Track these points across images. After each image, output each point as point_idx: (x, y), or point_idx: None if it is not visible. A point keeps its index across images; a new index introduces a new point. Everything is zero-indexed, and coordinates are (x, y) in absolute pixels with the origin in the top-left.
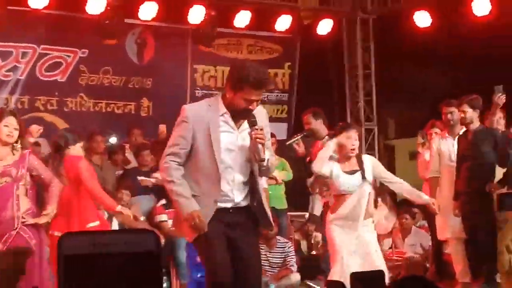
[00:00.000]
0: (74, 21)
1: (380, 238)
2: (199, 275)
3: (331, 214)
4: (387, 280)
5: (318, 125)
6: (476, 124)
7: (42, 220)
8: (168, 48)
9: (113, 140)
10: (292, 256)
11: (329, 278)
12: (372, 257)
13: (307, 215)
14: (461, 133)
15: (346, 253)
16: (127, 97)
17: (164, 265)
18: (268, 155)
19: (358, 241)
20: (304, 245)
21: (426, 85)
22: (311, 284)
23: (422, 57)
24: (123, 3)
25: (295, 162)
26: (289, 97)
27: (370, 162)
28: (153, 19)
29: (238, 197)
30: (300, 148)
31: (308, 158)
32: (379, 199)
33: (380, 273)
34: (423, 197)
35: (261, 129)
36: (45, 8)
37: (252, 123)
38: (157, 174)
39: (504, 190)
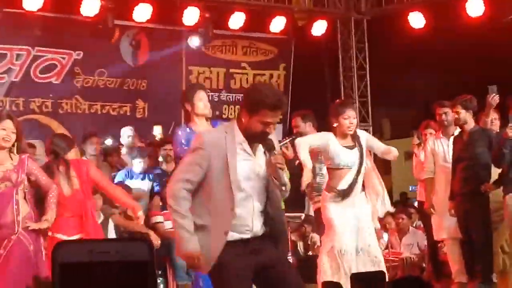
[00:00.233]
0: (69, 23)
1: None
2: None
3: (328, 193)
4: None
5: (307, 127)
6: (471, 125)
7: (43, 225)
8: (163, 49)
9: (108, 141)
10: (289, 257)
11: (322, 274)
12: (364, 234)
13: (303, 216)
14: (456, 133)
15: (343, 235)
16: (122, 99)
17: (160, 268)
18: (287, 179)
19: (354, 215)
20: (300, 246)
21: (421, 85)
22: None
23: (417, 57)
24: (117, 5)
25: (289, 162)
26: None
27: (365, 137)
28: (147, 21)
29: (256, 225)
30: (289, 152)
31: (297, 162)
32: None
33: (381, 274)
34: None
35: (280, 154)
36: (39, 10)
37: (270, 148)
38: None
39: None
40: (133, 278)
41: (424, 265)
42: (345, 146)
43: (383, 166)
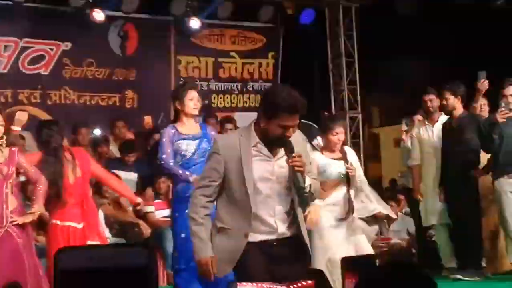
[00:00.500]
0: (57, 14)
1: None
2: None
3: (322, 199)
4: None
5: None
6: (459, 111)
7: (28, 219)
8: (151, 39)
9: (97, 132)
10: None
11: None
12: (361, 244)
13: None
14: (444, 120)
15: (333, 242)
16: (111, 89)
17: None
18: (309, 181)
19: (348, 227)
20: None
21: (410, 72)
22: None
23: (405, 44)
24: None
25: None
26: None
27: (353, 154)
28: (135, 11)
29: (281, 227)
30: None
31: None
32: None
33: (372, 257)
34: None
35: (299, 156)
36: (27, 1)
37: (289, 151)
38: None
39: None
40: (133, 284)
41: (413, 251)
42: (333, 159)
43: (373, 153)
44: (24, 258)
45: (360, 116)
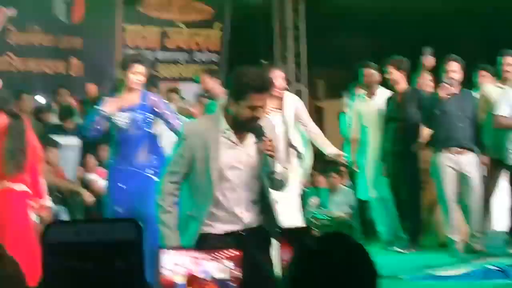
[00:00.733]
0: None
1: None
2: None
3: None
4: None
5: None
6: (403, 85)
7: None
8: (98, 7)
9: (40, 99)
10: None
11: None
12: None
13: None
14: (383, 94)
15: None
16: (57, 57)
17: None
18: (279, 167)
19: None
20: None
21: (355, 46)
22: None
23: (352, 18)
24: None
25: None
26: (219, 58)
27: (293, 102)
28: None
29: (247, 217)
30: None
31: None
32: None
33: (306, 229)
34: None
35: (270, 140)
36: None
37: (259, 134)
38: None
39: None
40: (119, 257)
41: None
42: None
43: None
44: None
45: (304, 88)
